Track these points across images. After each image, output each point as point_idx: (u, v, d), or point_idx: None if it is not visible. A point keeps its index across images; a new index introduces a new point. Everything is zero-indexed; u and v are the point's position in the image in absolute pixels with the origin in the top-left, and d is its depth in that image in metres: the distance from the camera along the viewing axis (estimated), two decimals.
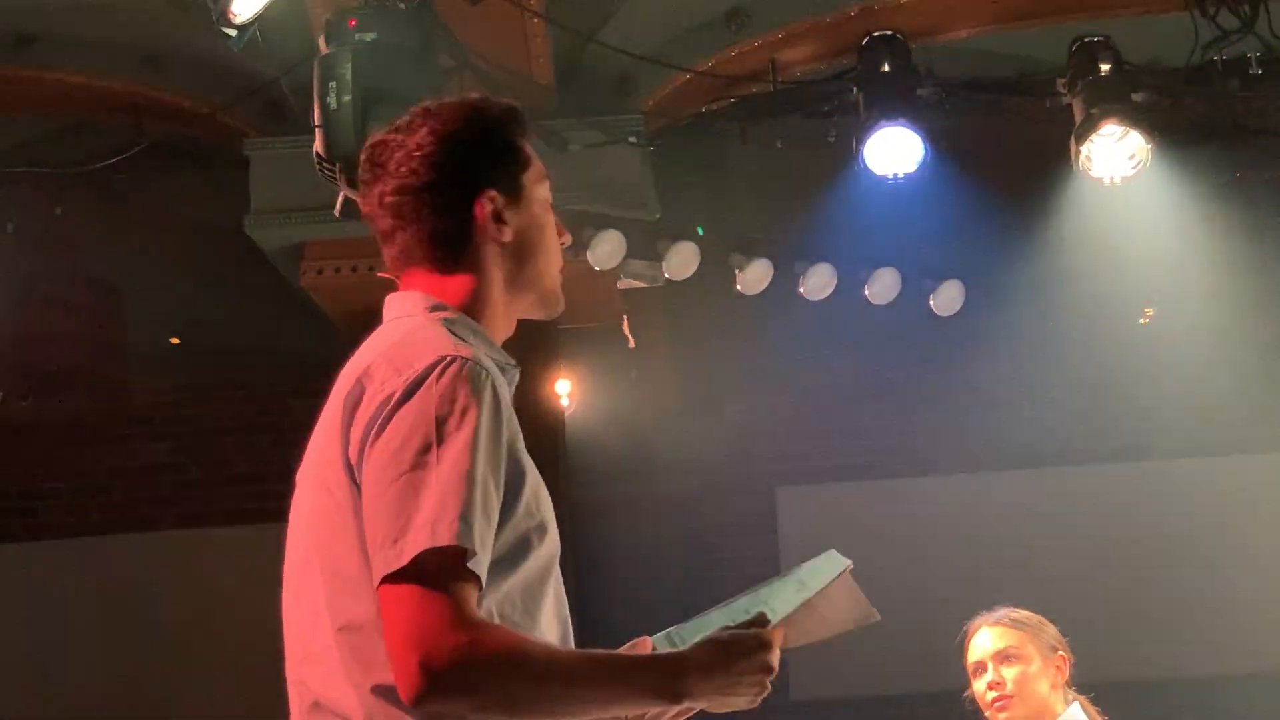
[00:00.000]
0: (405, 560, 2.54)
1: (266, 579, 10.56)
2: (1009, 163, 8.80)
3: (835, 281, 8.78)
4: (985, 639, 5.23)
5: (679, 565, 10.77)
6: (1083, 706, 5.21)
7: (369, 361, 2.79)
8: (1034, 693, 5.16)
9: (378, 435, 2.66)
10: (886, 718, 10.34)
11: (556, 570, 2.89)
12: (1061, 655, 5.19)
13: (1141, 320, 10.40)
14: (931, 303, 9.02)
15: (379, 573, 2.58)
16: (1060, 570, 9.64)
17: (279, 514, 10.48)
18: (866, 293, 8.88)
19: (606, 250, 8.06)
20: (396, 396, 2.67)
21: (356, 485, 2.69)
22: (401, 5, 6.74)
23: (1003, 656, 5.19)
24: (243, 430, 11.32)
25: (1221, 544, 10.41)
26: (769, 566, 11.07)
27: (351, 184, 6.81)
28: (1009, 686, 5.16)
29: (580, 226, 8.07)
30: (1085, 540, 10.37)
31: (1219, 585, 10.31)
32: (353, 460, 2.70)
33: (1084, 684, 5.33)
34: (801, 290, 8.78)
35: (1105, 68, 7.94)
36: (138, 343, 10.77)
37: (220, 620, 10.89)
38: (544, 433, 8.59)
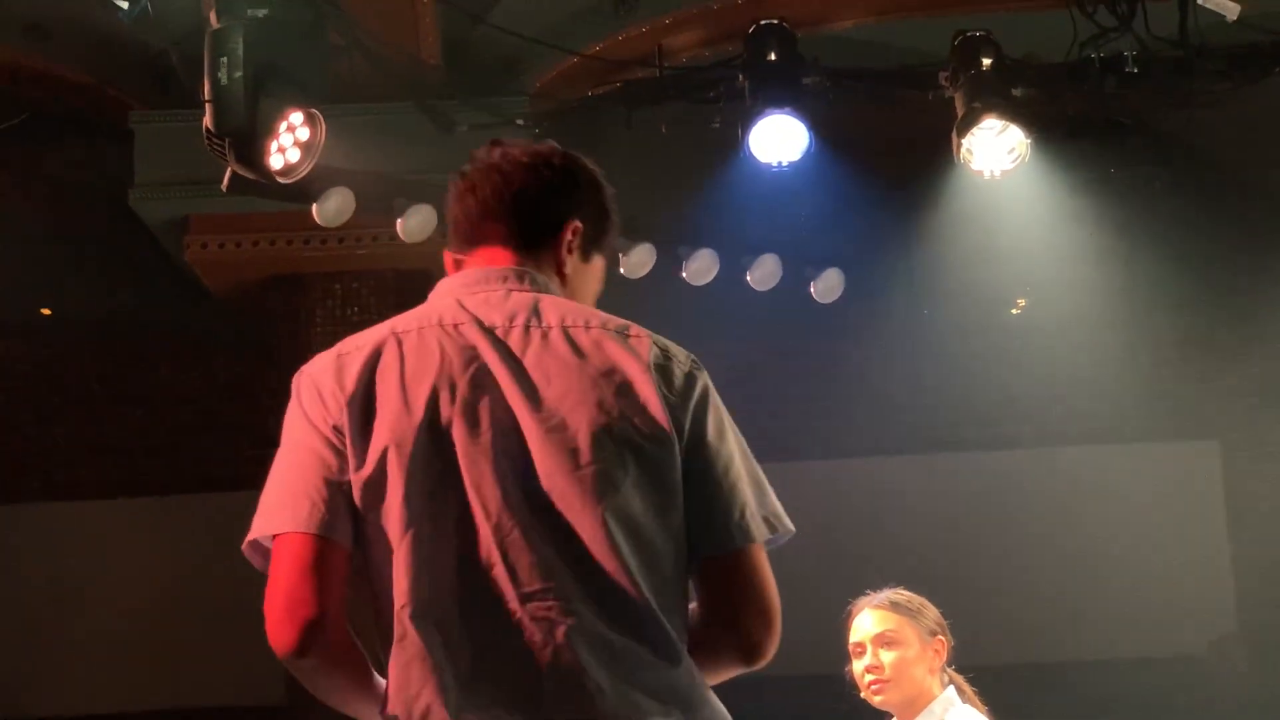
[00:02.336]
0: (770, 534, 2.92)
1: (136, 552, 10.50)
2: (891, 153, 8.90)
3: (717, 267, 8.85)
4: (866, 621, 5.29)
5: None
6: (959, 688, 5.30)
7: (636, 330, 2.96)
8: (910, 677, 5.23)
9: (714, 415, 2.93)
10: (771, 699, 10.44)
11: None
12: (940, 639, 5.26)
13: (1014, 310, 10.56)
14: (812, 290, 9.10)
15: (750, 537, 2.88)
16: (932, 554, 9.76)
17: (147, 487, 10.40)
18: (748, 279, 8.95)
19: None
20: (702, 383, 2.94)
21: (676, 451, 2.84)
22: None
23: (882, 640, 5.26)
24: (112, 401, 11.24)
25: (1089, 531, 10.60)
26: None
27: (240, 159, 6.80)
28: (886, 671, 5.22)
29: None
30: (956, 525, 10.52)
31: (1084, 571, 10.49)
32: (676, 429, 2.85)
33: (959, 667, 5.42)
34: (684, 275, 8.84)
35: (986, 62, 8.03)
36: (7, 312, 10.67)
37: (90, 593, 10.82)
38: None
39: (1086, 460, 10.85)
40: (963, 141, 7.93)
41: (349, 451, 2.83)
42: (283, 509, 2.82)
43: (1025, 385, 10.60)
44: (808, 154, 8.10)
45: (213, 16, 6.68)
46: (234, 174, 6.97)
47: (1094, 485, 10.78)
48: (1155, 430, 11.10)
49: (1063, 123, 8.72)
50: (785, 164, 8.14)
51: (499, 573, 2.70)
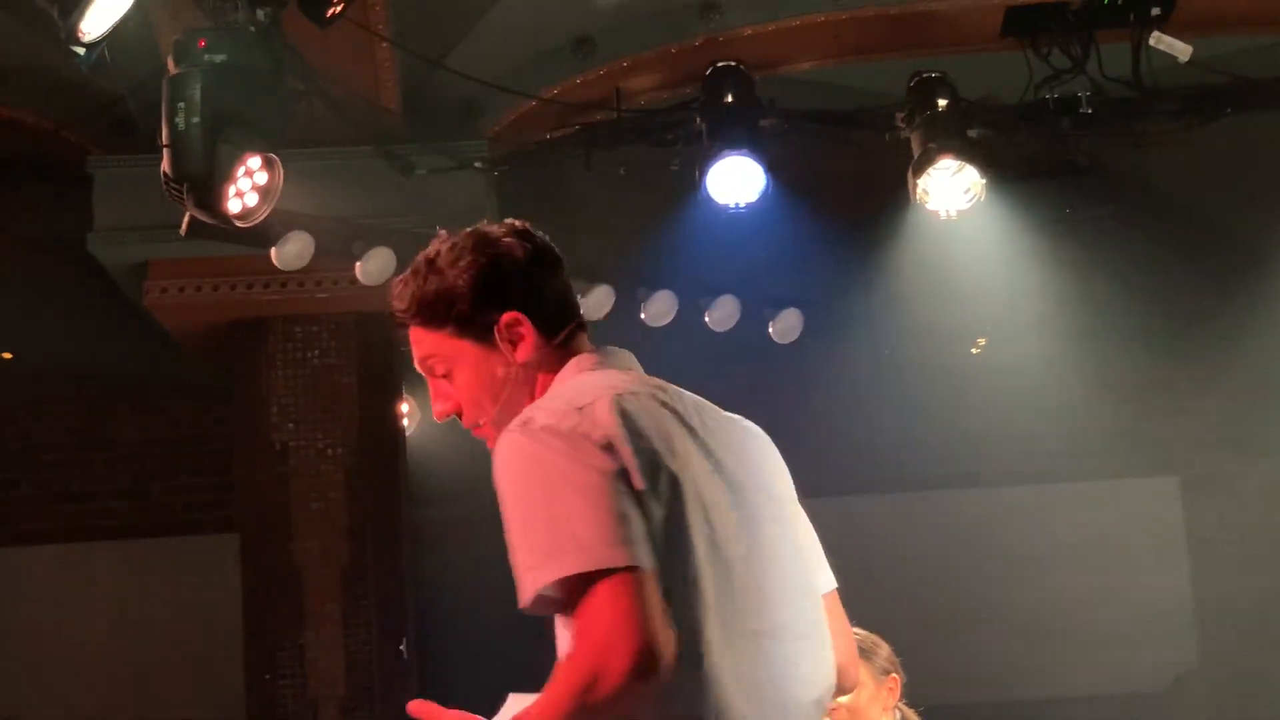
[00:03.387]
0: None
1: (95, 597, 10.47)
2: (848, 194, 8.94)
3: (676, 308, 8.88)
4: None
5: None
6: None
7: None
8: (865, 716, 5.27)
9: None
10: None
11: None
12: (894, 677, 5.30)
13: (973, 350, 10.60)
14: (770, 330, 9.14)
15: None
16: (891, 593, 9.79)
17: (111, 531, 10.39)
18: (707, 319, 8.99)
19: None
20: None
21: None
22: (251, 28, 6.74)
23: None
24: (75, 447, 11.24)
25: (1050, 569, 10.63)
26: None
27: (198, 204, 6.82)
28: (842, 713, 5.27)
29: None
30: (917, 563, 10.55)
31: (1046, 609, 10.53)
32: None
33: (915, 703, 5.45)
34: (643, 316, 8.87)
35: (942, 103, 8.09)
36: None
37: (49, 638, 10.79)
38: (384, 457, 8.62)
39: (1047, 498, 10.89)
40: (919, 181, 7.98)
41: (643, 495, 2.90)
42: (610, 546, 2.82)
43: (985, 424, 10.64)
44: (765, 195, 8.14)
45: (170, 63, 6.70)
46: (192, 219, 6.98)
47: (1054, 523, 10.82)
48: (1115, 468, 11.15)
49: (1018, 163, 8.78)
50: (743, 205, 8.18)
51: (758, 609, 3.03)
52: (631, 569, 2.77)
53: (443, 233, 3.33)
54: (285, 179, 6.96)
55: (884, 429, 10.72)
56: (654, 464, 2.93)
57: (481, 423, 3.33)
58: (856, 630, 5.36)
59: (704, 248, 8.69)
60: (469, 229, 3.30)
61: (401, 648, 8.28)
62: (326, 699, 8.19)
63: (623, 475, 2.88)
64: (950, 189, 8.00)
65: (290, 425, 8.43)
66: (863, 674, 5.29)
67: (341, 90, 7.88)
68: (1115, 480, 11.29)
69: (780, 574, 3.15)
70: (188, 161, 6.64)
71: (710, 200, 8.20)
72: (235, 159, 6.81)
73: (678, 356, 9.52)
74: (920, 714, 5.44)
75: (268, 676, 8.21)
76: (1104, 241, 9.50)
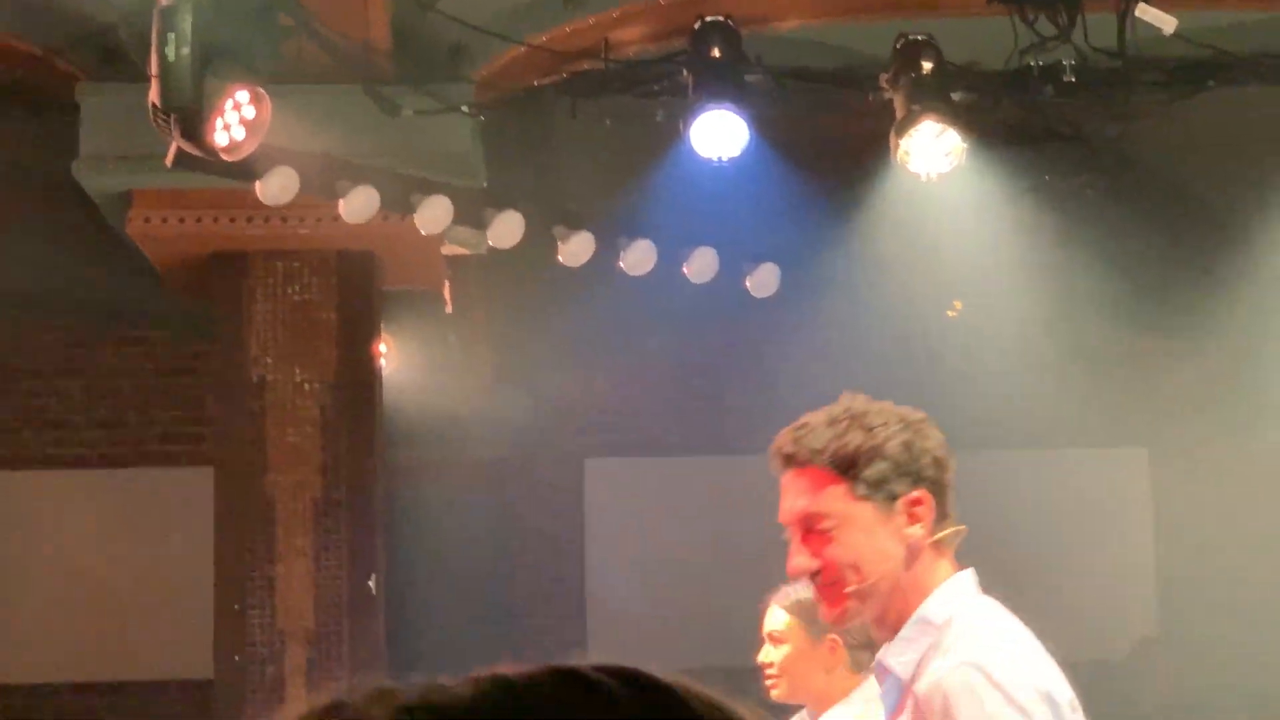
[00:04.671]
0: None
1: (69, 525, 10.60)
2: (830, 152, 8.99)
3: (655, 258, 8.92)
4: (768, 617, 5.43)
5: (486, 529, 10.91)
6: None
7: None
8: (801, 675, 5.34)
9: None
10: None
11: None
12: (833, 639, 5.34)
13: (950, 313, 10.67)
14: (747, 284, 9.20)
15: None
16: None
17: (88, 460, 10.49)
18: (685, 271, 9.04)
19: (432, 215, 8.16)
20: None
21: None
22: None
23: (773, 638, 5.38)
24: (54, 374, 11.28)
25: (1017, 534, 10.72)
26: (575, 533, 11.27)
27: (185, 135, 6.87)
28: (774, 669, 5.36)
29: (408, 191, 8.16)
30: None
31: (1011, 574, 10.60)
32: None
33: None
34: (621, 265, 8.92)
35: (927, 66, 8.13)
36: None
37: (20, 563, 10.85)
38: (361, 395, 8.69)
39: (1017, 464, 10.98)
40: (901, 143, 8.04)
41: None
42: None
43: (958, 388, 10.69)
44: (748, 150, 8.19)
45: None
46: (179, 150, 7.03)
47: (1023, 489, 10.91)
48: (1086, 437, 11.25)
49: (1000, 129, 8.83)
50: (725, 159, 8.24)
51: None
52: None
53: (859, 396, 3.57)
54: (272, 113, 7.01)
55: (861, 389, 10.79)
56: None
57: (849, 590, 3.43)
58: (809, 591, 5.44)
59: (685, 200, 8.74)
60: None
61: (370, 583, 8.36)
62: (294, 631, 8.27)
63: None
64: (932, 151, 8.05)
65: (268, 360, 8.49)
66: (799, 634, 5.35)
67: (331, 28, 7.92)
68: (1084, 449, 11.39)
69: None
70: (176, 92, 6.69)
71: (693, 153, 8.25)
72: (223, 92, 6.85)
73: (655, 307, 9.64)
74: None
75: (236, 607, 8.28)
76: (1082, 211, 9.56)
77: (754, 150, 8.21)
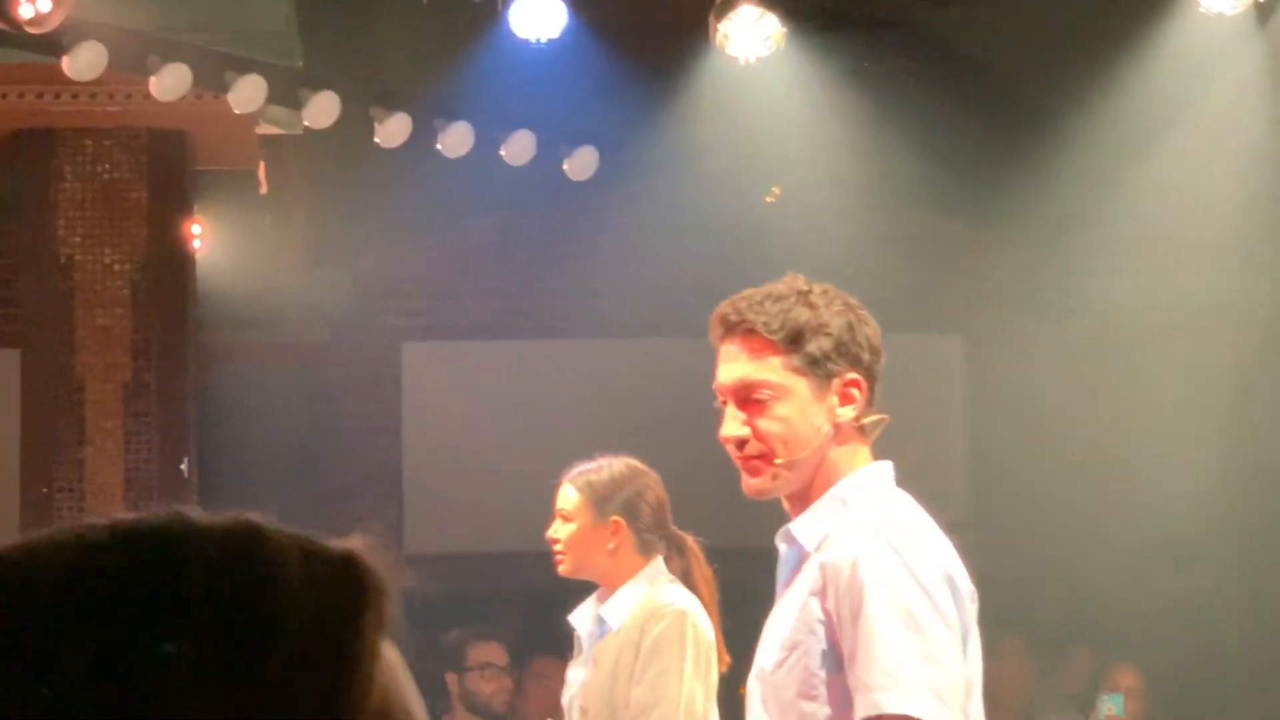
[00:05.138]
0: None
1: None
2: (650, 35, 8.95)
3: (473, 140, 8.86)
4: (560, 494, 5.46)
5: (303, 413, 10.83)
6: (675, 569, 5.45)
7: None
8: (586, 553, 5.39)
9: None
10: (498, 573, 10.55)
11: None
12: (616, 519, 5.38)
13: (768, 199, 10.69)
14: (566, 167, 9.16)
15: None
16: (677, 438, 9.91)
17: None
18: (503, 153, 8.99)
19: (246, 94, 8.03)
20: None
21: None
22: None
23: (562, 515, 5.42)
24: None
25: None
26: (391, 420, 11.22)
27: None
28: (561, 545, 5.40)
29: (222, 69, 8.02)
30: (700, 410, 10.67)
31: None
32: None
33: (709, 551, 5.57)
34: (439, 147, 8.85)
35: None
36: None
37: None
38: (173, 276, 8.56)
39: None
40: (720, 26, 8.01)
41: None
42: (958, 710, 3.36)
43: (776, 275, 10.71)
44: (567, 32, 8.15)
45: None
46: None
47: None
48: (902, 323, 11.28)
49: (819, 13, 8.83)
50: (544, 41, 8.18)
51: None
52: None
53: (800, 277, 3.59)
54: None
55: (681, 273, 10.80)
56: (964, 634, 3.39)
57: (777, 462, 3.49)
58: (605, 469, 5.46)
59: (504, 82, 8.68)
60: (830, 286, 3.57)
61: (183, 466, 8.27)
62: (103, 514, 8.16)
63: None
64: (751, 35, 8.04)
65: (76, 240, 8.33)
66: (583, 512, 5.39)
67: None
68: (901, 334, 11.42)
69: None
70: None
71: (512, 35, 8.19)
72: None
73: (474, 189, 9.57)
74: (701, 545, 5.56)
75: (44, 490, 8.16)
76: (900, 97, 9.57)
77: (573, 32, 8.17)
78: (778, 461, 3.47)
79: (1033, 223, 10.46)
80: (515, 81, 8.59)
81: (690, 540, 5.51)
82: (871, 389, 3.55)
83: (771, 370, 3.46)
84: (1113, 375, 10.92)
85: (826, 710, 3.33)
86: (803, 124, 9.38)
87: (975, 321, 11.32)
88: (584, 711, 5.37)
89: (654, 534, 5.42)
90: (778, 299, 3.48)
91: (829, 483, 3.50)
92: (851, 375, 3.49)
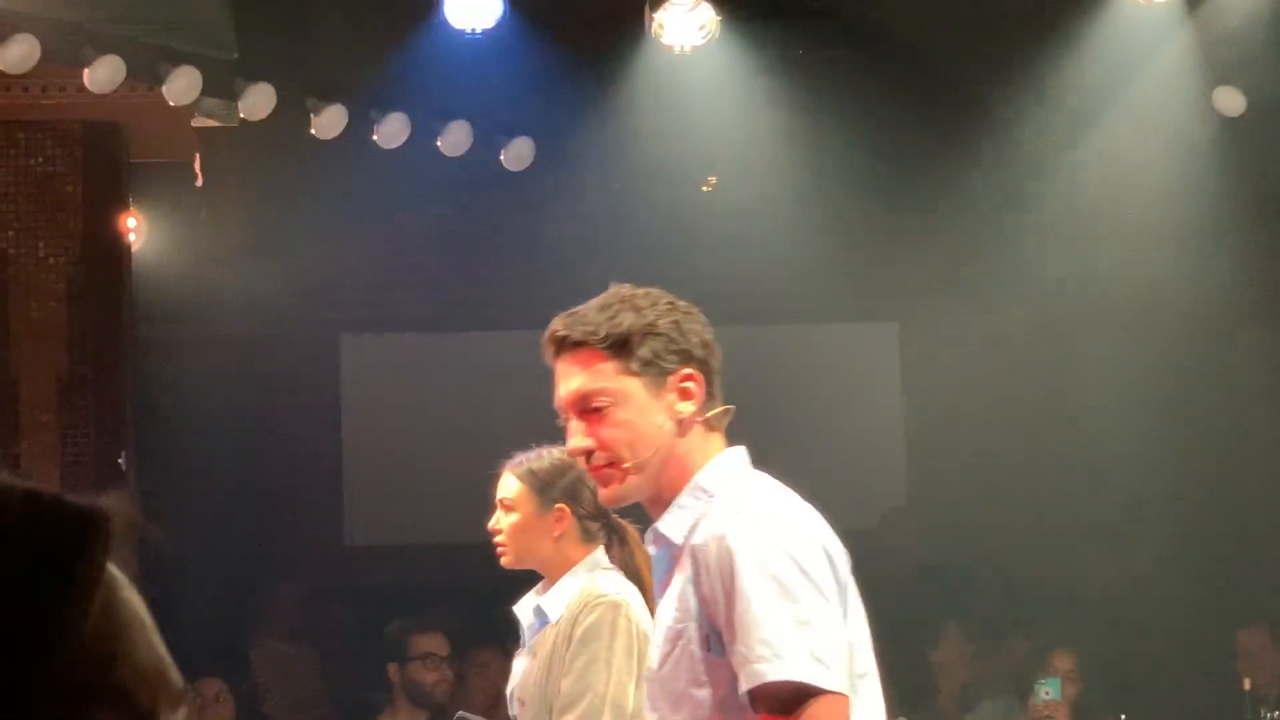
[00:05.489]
0: None
1: None
2: (585, 26, 8.96)
3: (409, 131, 8.86)
4: (500, 484, 5.45)
5: (241, 406, 10.79)
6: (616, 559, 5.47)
7: None
8: (528, 543, 5.38)
9: None
10: (438, 565, 10.55)
11: None
12: (560, 507, 5.37)
13: (704, 188, 10.71)
14: (502, 158, 9.16)
15: None
16: None
17: None
18: (439, 144, 8.98)
19: (181, 86, 8.00)
20: None
21: None
22: None
23: (504, 505, 5.41)
24: None
25: (771, 408, 10.84)
26: (330, 413, 11.20)
27: None
28: (503, 536, 5.39)
29: (156, 61, 7.99)
30: None
31: (764, 447, 10.74)
32: None
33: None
34: (375, 138, 8.84)
35: None
36: None
37: None
38: (108, 269, 8.53)
39: (770, 339, 11.09)
40: (655, 16, 8.04)
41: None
42: (842, 674, 3.35)
43: (713, 264, 10.76)
44: (502, 22, 8.16)
45: None
46: None
47: (776, 364, 11.02)
48: (838, 311, 11.38)
49: (753, 2, 8.86)
50: (479, 31, 8.19)
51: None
52: (846, 699, 3.32)
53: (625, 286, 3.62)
54: None
55: (616, 264, 10.79)
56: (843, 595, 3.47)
57: (625, 466, 3.53)
58: (548, 457, 5.46)
59: (440, 73, 8.68)
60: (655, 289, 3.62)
61: (120, 460, 8.24)
62: None
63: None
64: (686, 24, 8.07)
65: (10, 233, 8.29)
66: (527, 500, 5.37)
67: None
68: (835, 324, 11.53)
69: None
70: None
71: (447, 25, 8.19)
72: None
73: (409, 180, 9.56)
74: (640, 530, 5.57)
75: None
76: (835, 85, 9.61)
77: (508, 22, 8.18)
78: (626, 465, 3.52)
79: (965, 210, 10.52)
80: (451, 72, 8.59)
81: (630, 529, 5.51)
82: (710, 382, 3.59)
83: (605, 378, 3.51)
84: (1047, 360, 11.00)
85: (716, 693, 3.37)
86: (738, 112, 9.41)
87: (909, 308, 11.39)
88: (521, 703, 5.37)
89: (595, 521, 5.42)
90: (602, 308, 3.53)
91: (686, 477, 3.55)
92: (686, 370, 3.53)
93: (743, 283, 10.70)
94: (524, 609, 5.46)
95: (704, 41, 8.06)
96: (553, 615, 5.32)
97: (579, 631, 5.18)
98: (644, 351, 3.49)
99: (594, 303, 3.55)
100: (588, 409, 3.53)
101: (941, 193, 10.44)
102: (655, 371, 3.51)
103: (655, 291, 3.59)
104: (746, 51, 8.79)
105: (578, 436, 3.57)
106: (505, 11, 8.13)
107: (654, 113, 9.36)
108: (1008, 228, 10.62)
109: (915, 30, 9.56)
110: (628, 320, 3.50)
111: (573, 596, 5.29)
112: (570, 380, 3.54)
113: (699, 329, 3.60)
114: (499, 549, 5.39)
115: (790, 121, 9.65)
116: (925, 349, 11.36)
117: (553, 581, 5.38)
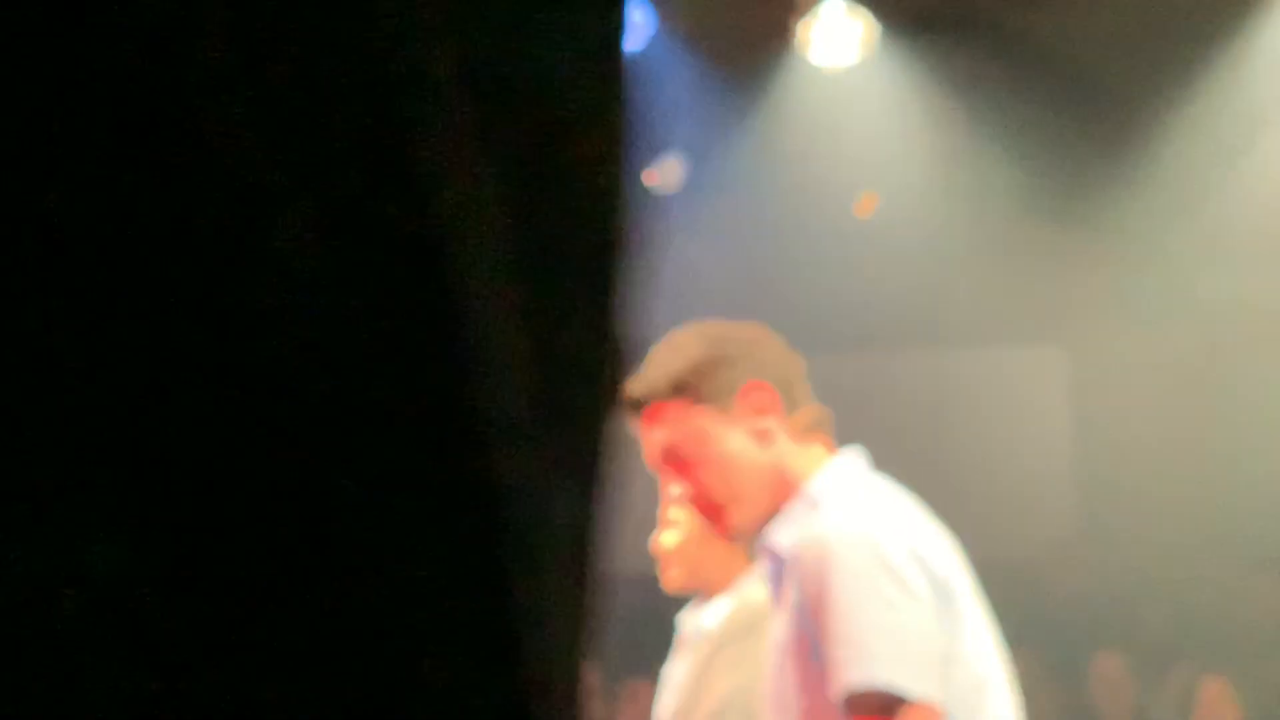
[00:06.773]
0: None
1: None
2: (736, 42, 8.87)
3: None
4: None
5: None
6: None
7: None
8: (700, 563, 5.27)
9: None
10: None
11: None
12: None
13: (860, 210, 10.54)
14: (653, 178, 9.07)
15: None
16: None
17: None
18: None
19: None
20: None
21: None
22: None
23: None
24: None
25: (936, 434, 10.65)
26: None
27: None
28: (669, 558, 5.25)
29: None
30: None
31: (931, 474, 10.45)
32: None
33: None
34: None
35: None
36: None
37: None
38: None
39: (934, 364, 10.89)
40: (804, 32, 7.92)
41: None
42: (936, 683, 3.27)
43: (870, 289, 10.59)
44: (652, 41, 8.07)
45: None
46: None
47: (941, 389, 10.83)
48: (1002, 335, 11.16)
49: (908, 18, 8.72)
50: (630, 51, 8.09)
51: None
52: (934, 707, 3.23)
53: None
54: None
55: (769, 290, 10.66)
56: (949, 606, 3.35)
57: (724, 500, 3.45)
58: None
59: None
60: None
61: None
62: None
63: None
64: (840, 40, 7.95)
65: None
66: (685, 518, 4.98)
67: None
68: (1001, 348, 11.30)
69: None
70: None
71: None
72: None
73: None
74: None
75: None
76: (993, 102, 9.43)
77: (659, 41, 8.10)
78: (729, 501, 3.45)
79: (1130, 228, 10.28)
80: None
81: None
82: (789, 390, 3.51)
83: (675, 423, 3.46)
84: (1219, 380, 10.71)
85: (818, 700, 3.31)
86: (895, 132, 9.25)
87: (1076, 331, 11.13)
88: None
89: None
90: (654, 365, 3.45)
91: (793, 488, 3.46)
92: (747, 383, 3.46)
93: (902, 307, 10.52)
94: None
95: (859, 58, 7.92)
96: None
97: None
98: (700, 382, 3.45)
99: (646, 364, 3.48)
100: (674, 463, 3.48)
101: (1104, 210, 10.23)
102: (718, 396, 3.45)
103: (691, 325, 3.53)
104: (902, 68, 8.63)
105: (674, 489, 3.57)
106: (654, 29, 8.05)
107: (805, 131, 9.22)
108: (1175, 244, 10.36)
109: (1077, 44, 9.37)
110: (675, 363, 3.46)
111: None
112: (650, 441, 3.48)
113: (744, 341, 3.55)
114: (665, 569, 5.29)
115: (949, 139, 9.47)
116: (1094, 371, 11.12)
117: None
